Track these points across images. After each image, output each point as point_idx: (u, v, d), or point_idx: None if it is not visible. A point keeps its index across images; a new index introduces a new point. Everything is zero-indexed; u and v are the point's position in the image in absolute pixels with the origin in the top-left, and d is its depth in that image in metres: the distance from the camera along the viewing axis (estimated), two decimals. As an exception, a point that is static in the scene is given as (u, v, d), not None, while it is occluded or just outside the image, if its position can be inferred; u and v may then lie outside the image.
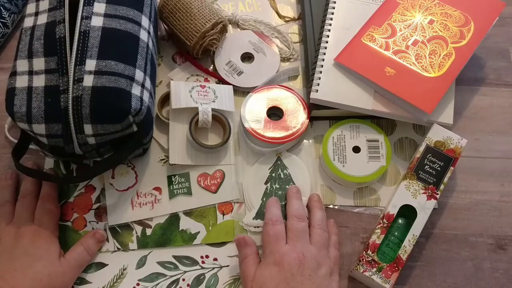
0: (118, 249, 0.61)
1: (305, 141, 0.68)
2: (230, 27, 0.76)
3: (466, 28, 0.68)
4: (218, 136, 0.67)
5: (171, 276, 0.60)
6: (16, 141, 0.59)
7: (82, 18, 0.54)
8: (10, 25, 0.73)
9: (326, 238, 0.58)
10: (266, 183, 0.65)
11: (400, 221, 0.61)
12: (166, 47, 0.74)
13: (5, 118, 0.68)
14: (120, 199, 0.63)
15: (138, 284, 0.59)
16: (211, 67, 0.73)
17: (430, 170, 0.61)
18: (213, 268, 0.60)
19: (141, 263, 0.60)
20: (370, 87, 0.66)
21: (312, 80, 0.67)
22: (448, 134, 0.63)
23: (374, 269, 0.56)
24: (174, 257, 0.61)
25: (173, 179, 0.65)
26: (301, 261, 0.53)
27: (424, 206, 0.59)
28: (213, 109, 0.65)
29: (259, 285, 0.53)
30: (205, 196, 0.64)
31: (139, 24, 0.59)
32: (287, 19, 0.78)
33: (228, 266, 0.60)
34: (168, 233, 0.62)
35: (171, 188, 0.64)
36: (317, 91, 0.65)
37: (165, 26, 0.73)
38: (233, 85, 0.70)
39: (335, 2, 0.72)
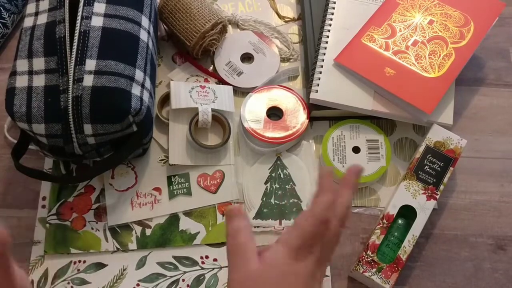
0: (118, 249, 0.61)
1: (304, 141, 0.68)
2: (230, 28, 0.76)
3: (466, 29, 0.68)
4: (218, 136, 0.67)
5: (171, 277, 0.60)
6: (15, 141, 0.59)
7: (82, 18, 0.55)
8: (10, 25, 0.73)
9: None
10: (266, 183, 0.65)
11: (400, 221, 0.61)
12: (166, 48, 0.74)
13: (5, 118, 0.68)
14: (119, 200, 0.63)
15: (138, 285, 0.59)
16: (211, 68, 0.73)
17: (430, 171, 0.61)
18: (213, 269, 0.60)
19: (141, 263, 0.60)
20: (370, 87, 0.66)
21: (312, 80, 0.67)
22: (448, 135, 0.63)
23: (374, 270, 0.56)
24: (174, 257, 0.61)
25: (173, 180, 0.64)
26: None
27: (424, 207, 0.59)
28: (213, 110, 0.65)
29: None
30: (205, 197, 0.64)
31: (139, 24, 0.59)
32: (287, 19, 0.78)
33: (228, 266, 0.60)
34: (167, 233, 0.62)
35: (171, 189, 0.64)
36: (317, 92, 0.65)
37: (165, 26, 0.73)
38: (233, 86, 0.70)
39: (335, 3, 0.72)
